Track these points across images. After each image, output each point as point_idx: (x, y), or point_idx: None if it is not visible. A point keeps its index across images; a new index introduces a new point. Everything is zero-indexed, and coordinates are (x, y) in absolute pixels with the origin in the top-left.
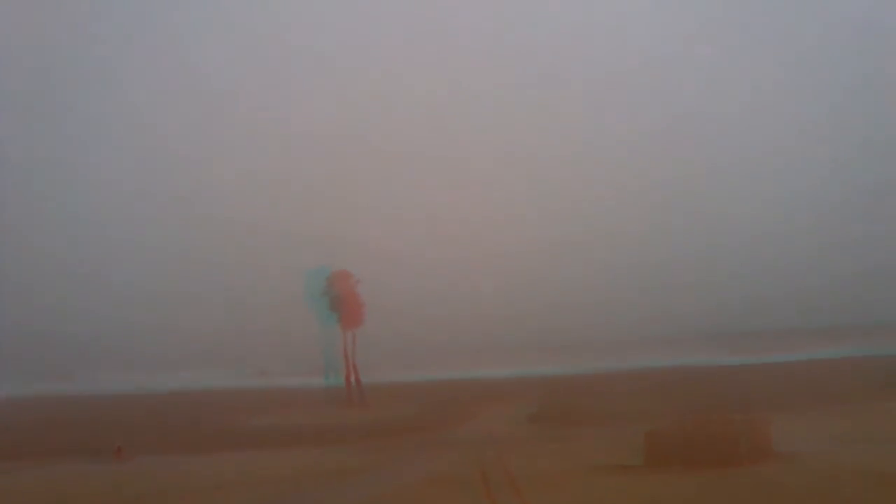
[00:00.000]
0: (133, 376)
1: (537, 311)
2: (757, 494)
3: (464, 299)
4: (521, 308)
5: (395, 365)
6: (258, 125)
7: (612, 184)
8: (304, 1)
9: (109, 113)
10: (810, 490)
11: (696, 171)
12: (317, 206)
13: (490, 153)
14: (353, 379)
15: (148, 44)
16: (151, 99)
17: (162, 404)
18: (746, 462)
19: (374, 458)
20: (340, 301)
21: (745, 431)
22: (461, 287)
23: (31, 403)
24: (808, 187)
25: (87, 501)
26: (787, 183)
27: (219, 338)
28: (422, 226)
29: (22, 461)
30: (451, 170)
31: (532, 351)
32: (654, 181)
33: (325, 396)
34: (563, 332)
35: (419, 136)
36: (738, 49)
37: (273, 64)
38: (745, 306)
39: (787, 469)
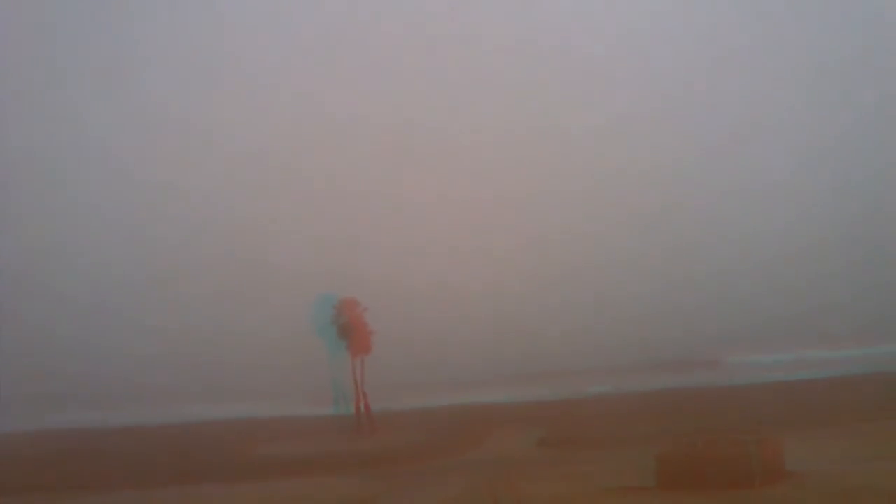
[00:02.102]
0: (143, 409)
1: (545, 336)
2: None
3: (472, 326)
4: (529, 333)
5: (405, 391)
6: (266, 165)
7: (618, 213)
8: (292, 35)
9: (106, 152)
10: None
11: (706, 200)
12: (325, 239)
13: (499, 185)
14: (362, 406)
15: (135, 86)
16: (145, 141)
17: (173, 436)
18: (758, 483)
19: (385, 484)
20: (349, 329)
21: (757, 452)
22: (469, 314)
23: (40, 438)
24: (814, 213)
25: None
26: (795, 209)
27: (228, 368)
28: (430, 256)
29: (28, 496)
30: (460, 202)
31: (540, 375)
32: (661, 209)
33: (335, 424)
34: (572, 357)
35: (425, 173)
36: (747, 74)
37: (277, 106)
38: (754, 328)
39: (799, 489)
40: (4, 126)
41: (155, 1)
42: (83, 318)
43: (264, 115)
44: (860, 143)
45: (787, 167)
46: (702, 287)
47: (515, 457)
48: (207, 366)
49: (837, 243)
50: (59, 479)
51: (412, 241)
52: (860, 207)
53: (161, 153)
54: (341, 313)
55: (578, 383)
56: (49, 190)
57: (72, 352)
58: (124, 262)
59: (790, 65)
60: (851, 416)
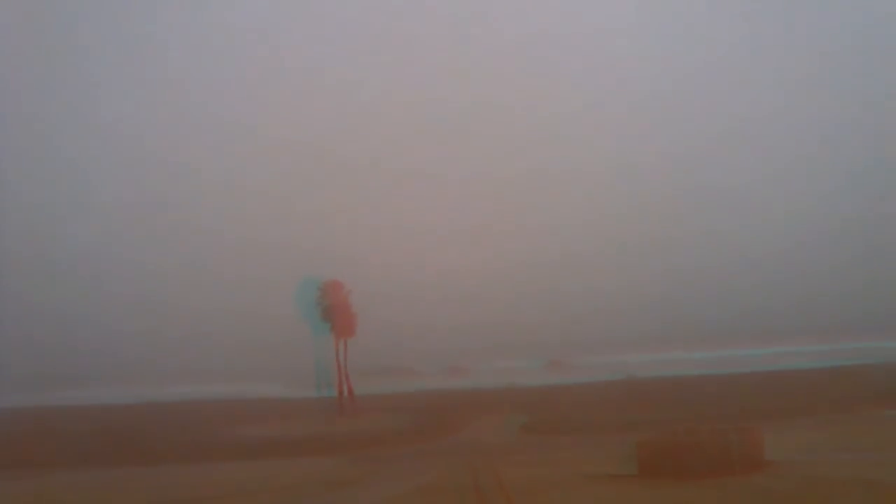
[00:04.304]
0: (123, 387)
1: (528, 322)
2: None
3: (455, 310)
4: (513, 319)
5: (387, 375)
6: (253, 140)
7: (610, 197)
8: (293, 12)
9: (107, 128)
10: (801, 499)
11: (701, 187)
12: (310, 218)
13: (487, 164)
14: (345, 389)
15: (131, 55)
16: (142, 114)
17: (153, 415)
18: (738, 471)
19: (366, 467)
20: (332, 311)
21: (737, 441)
22: (453, 298)
23: (24, 414)
24: (810, 205)
25: None
26: (791, 199)
27: (210, 349)
28: (415, 238)
29: (14, 471)
30: (445, 182)
31: (523, 361)
32: (656, 195)
33: (317, 406)
34: (555, 343)
35: (415, 149)
36: (751, 65)
37: (266, 78)
38: (736, 318)
39: (778, 478)
40: (16, 104)
41: None
42: (61, 292)
43: (267, 95)
44: (857, 138)
45: (783, 162)
46: (694, 280)
47: (498, 442)
48: (188, 345)
49: (828, 240)
50: (35, 456)
51: (398, 223)
52: (854, 206)
53: (162, 132)
54: (325, 295)
55: (562, 370)
56: (48, 166)
57: (48, 326)
58: (108, 235)
59: (788, 58)
60: (834, 407)
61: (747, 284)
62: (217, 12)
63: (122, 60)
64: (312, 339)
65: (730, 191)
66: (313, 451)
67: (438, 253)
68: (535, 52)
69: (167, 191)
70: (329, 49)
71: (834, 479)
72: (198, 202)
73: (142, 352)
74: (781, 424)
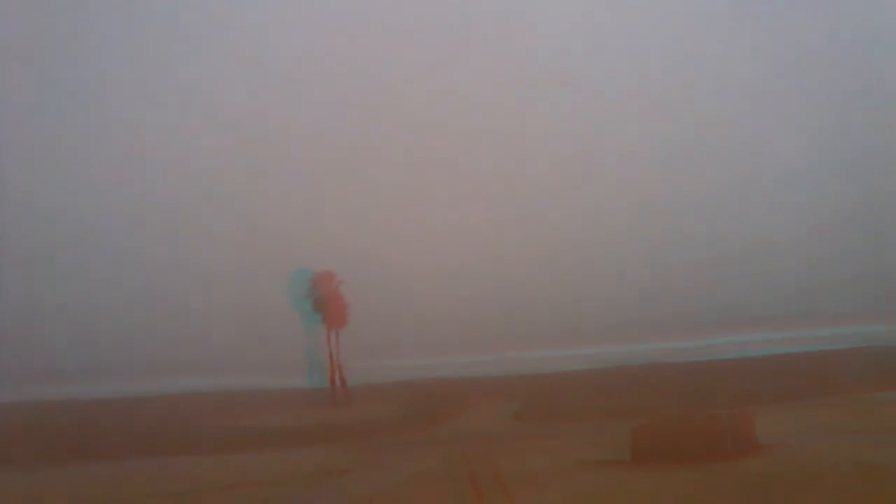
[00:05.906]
0: (118, 381)
1: (521, 310)
2: (745, 487)
3: (447, 300)
4: (505, 307)
5: (380, 365)
6: (248, 129)
7: (603, 189)
8: (298, 1)
9: (101, 118)
10: (797, 482)
11: (699, 177)
12: (302, 209)
13: (483, 156)
14: (337, 379)
15: (134, 45)
16: (142, 105)
17: (147, 407)
18: (732, 455)
19: (360, 457)
20: (324, 302)
21: (731, 425)
22: (445, 287)
23: (17, 409)
24: (803, 196)
25: None
26: (784, 191)
27: (202, 340)
28: (407, 228)
29: (10, 465)
30: (438, 173)
31: (516, 349)
32: (652, 186)
33: (309, 397)
34: (548, 331)
35: (408, 139)
36: (745, 56)
37: (265, 65)
38: (728, 305)
39: (772, 461)
40: (30, 104)
41: None
42: (54, 284)
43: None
44: (860, 127)
45: (785, 152)
46: (690, 271)
47: (492, 430)
48: (179, 337)
49: (824, 229)
50: (34, 451)
51: (392, 213)
52: (856, 195)
53: (160, 124)
54: (317, 286)
55: (557, 358)
56: (49, 158)
57: (40, 319)
58: (100, 227)
59: (792, 49)
60: (826, 390)
61: (739, 272)
62: (217, 1)
63: (126, 53)
64: (304, 329)
65: (726, 181)
66: (306, 441)
67: (431, 242)
68: (527, 44)
69: (159, 181)
70: (329, 39)
71: (828, 461)
72: (190, 193)
73: (132, 344)
74: (774, 408)
